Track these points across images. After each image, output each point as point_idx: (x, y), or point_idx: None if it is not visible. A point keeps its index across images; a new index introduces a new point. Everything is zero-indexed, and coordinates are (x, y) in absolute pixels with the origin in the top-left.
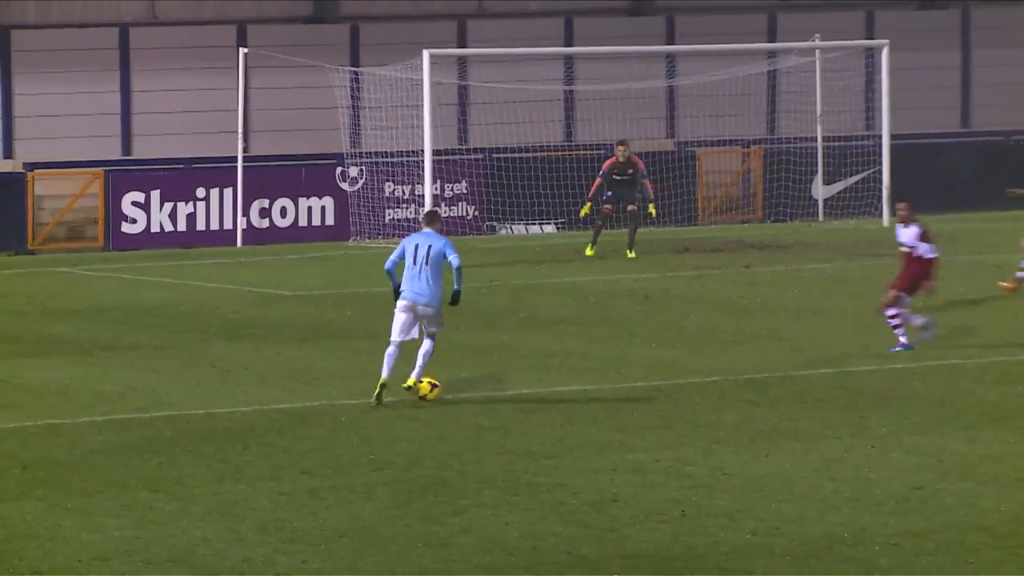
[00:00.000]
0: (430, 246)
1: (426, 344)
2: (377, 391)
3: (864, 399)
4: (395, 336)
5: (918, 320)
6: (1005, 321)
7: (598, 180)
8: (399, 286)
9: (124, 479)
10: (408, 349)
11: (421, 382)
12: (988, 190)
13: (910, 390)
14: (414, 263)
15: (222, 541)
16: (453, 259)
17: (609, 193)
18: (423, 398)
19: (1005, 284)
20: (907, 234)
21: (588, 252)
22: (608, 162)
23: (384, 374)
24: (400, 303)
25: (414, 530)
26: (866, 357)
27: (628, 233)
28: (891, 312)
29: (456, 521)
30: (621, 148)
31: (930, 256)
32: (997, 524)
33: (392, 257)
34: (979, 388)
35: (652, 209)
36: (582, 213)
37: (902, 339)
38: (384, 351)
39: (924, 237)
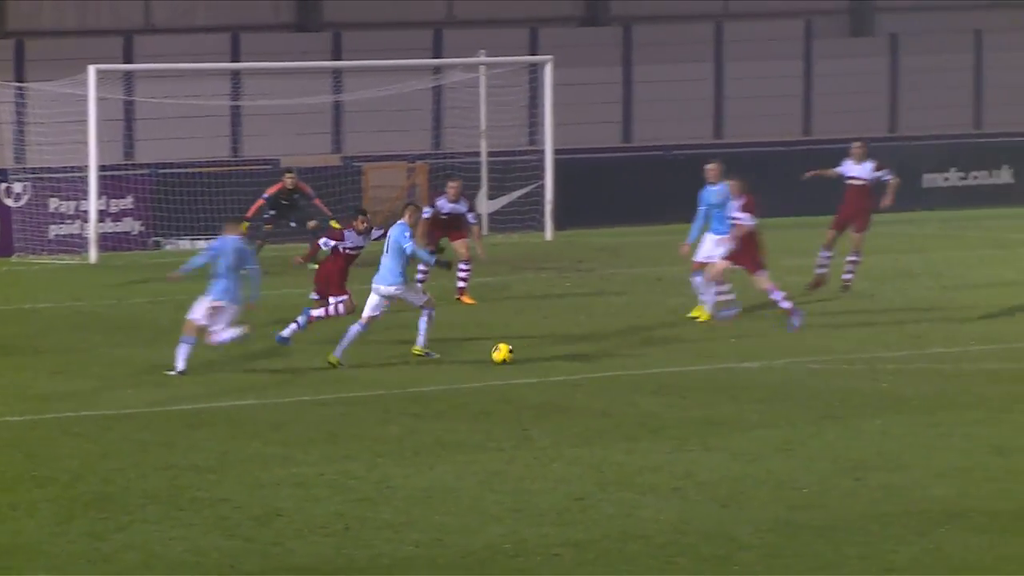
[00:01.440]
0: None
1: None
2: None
3: (526, 411)
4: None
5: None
6: (664, 334)
7: (261, 201)
8: None
9: None
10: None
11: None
12: (649, 204)
13: (571, 402)
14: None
15: None
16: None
17: (272, 212)
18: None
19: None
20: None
21: None
22: (273, 188)
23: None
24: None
25: (77, 546)
26: (528, 370)
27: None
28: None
29: (120, 537)
30: (289, 177)
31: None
32: (655, 533)
33: None
34: (638, 399)
35: (335, 224)
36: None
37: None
38: (49, 367)
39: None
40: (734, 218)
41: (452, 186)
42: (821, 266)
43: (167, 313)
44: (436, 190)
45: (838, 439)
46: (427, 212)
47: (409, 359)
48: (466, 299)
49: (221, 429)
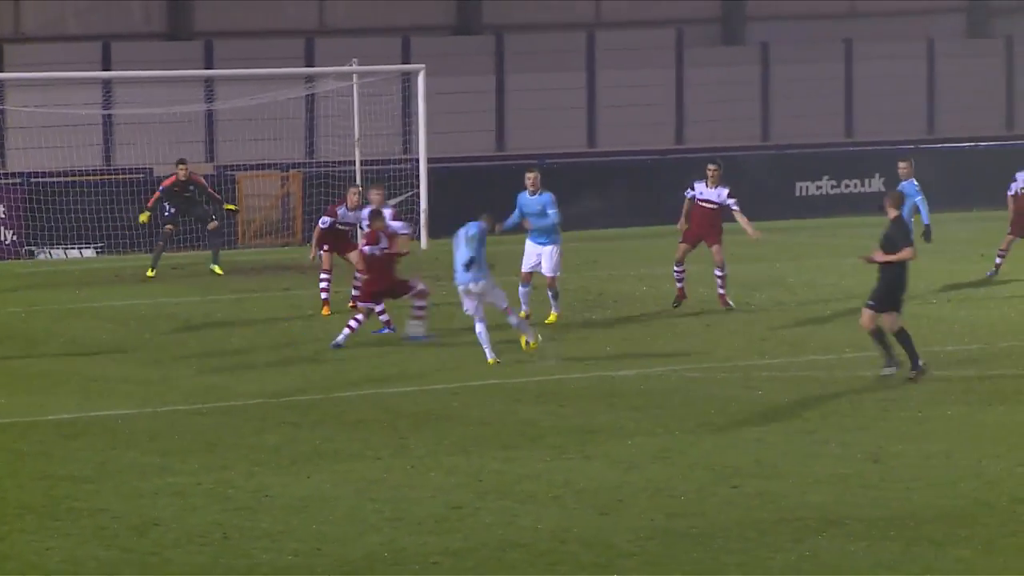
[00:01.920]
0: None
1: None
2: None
3: (404, 420)
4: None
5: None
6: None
7: (157, 194)
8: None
9: None
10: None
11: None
12: None
13: (449, 410)
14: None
15: None
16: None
17: (172, 211)
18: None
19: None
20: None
21: (149, 273)
22: (168, 181)
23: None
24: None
25: None
26: (406, 378)
27: (212, 251)
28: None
29: None
30: (182, 168)
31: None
32: (535, 541)
33: None
34: (517, 407)
35: (230, 206)
36: (141, 220)
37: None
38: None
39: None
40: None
41: (352, 192)
42: (679, 280)
43: (41, 323)
44: (338, 198)
45: (715, 447)
46: (325, 222)
47: (287, 364)
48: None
49: (98, 439)
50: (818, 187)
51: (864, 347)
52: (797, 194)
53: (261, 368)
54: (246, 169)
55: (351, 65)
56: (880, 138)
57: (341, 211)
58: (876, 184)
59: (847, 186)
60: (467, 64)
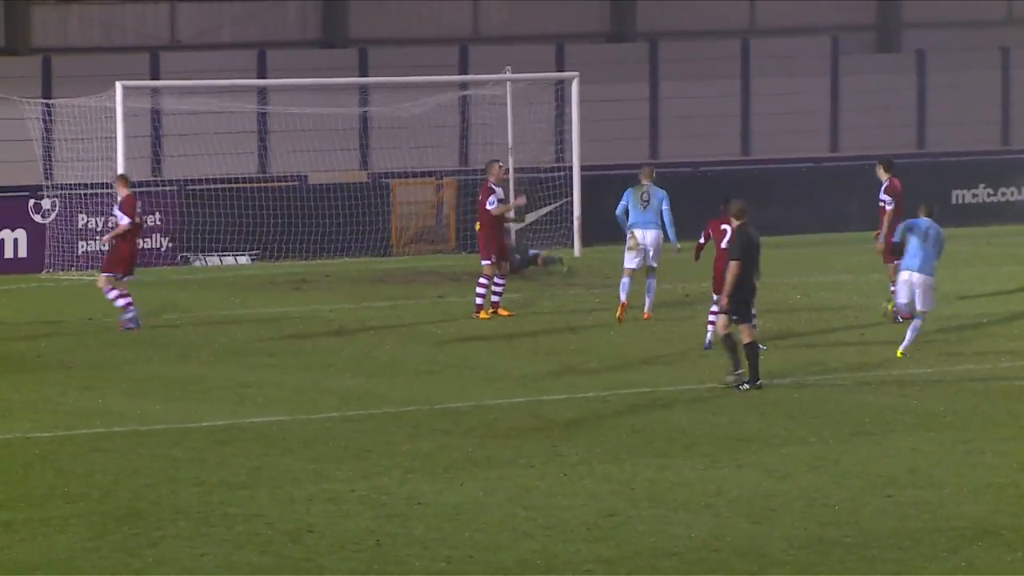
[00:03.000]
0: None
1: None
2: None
3: (556, 427)
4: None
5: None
6: (695, 351)
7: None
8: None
9: None
10: None
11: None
12: (676, 220)
13: (601, 418)
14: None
15: None
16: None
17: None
18: None
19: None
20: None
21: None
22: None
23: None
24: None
25: (109, 562)
26: (558, 385)
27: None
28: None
29: (151, 552)
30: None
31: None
32: (687, 550)
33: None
34: (669, 415)
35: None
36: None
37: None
38: (79, 382)
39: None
40: None
41: (496, 166)
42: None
43: (195, 329)
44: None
45: (869, 456)
46: (492, 203)
47: (438, 372)
48: (502, 312)
49: (251, 445)
50: (974, 195)
51: (1020, 356)
52: (953, 202)
53: (413, 375)
54: (400, 176)
55: (505, 72)
56: None
57: (492, 186)
58: None
59: (1003, 194)
60: (621, 71)
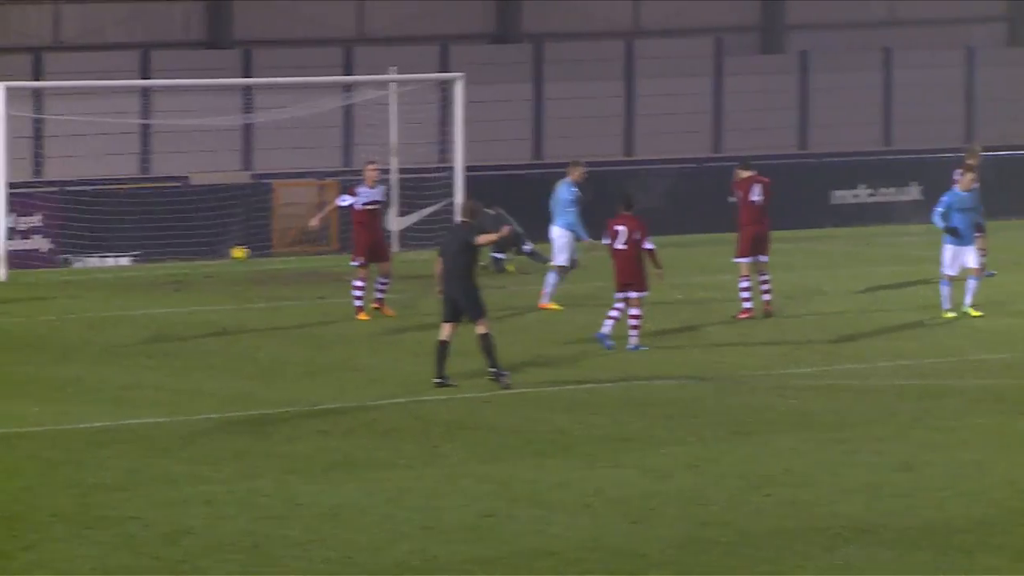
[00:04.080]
0: None
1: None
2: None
3: (436, 428)
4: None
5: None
6: (573, 351)
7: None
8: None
9: None
10: None
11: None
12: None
13: (481, 419)
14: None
15: None
16: None
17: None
18: None
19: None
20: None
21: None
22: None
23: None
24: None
25: None
26: (438, 387)
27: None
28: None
29: (26, 556)
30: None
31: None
32: (565, 550)
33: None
34: (549, 416)
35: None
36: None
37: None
38: None
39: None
40: None
41: (371, 168)
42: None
43: (75, 330)
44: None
45: (747, 456)
46: (344, 200)
47: (319, 373)
48: (386, 311)
49: (129, 447)
50: (855, 195)
51: (897, 356)
52: (832, 202)
53: (293, 376)
54: (282, 178)
55: (389, 73)
56: (919, 146)
57: (361, 190)
58: (913, 192)
59: (884, 194)
60: (505, 72)
